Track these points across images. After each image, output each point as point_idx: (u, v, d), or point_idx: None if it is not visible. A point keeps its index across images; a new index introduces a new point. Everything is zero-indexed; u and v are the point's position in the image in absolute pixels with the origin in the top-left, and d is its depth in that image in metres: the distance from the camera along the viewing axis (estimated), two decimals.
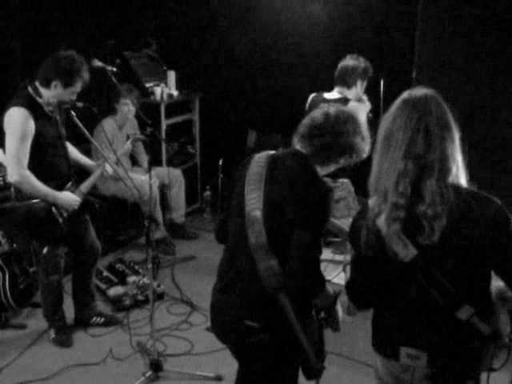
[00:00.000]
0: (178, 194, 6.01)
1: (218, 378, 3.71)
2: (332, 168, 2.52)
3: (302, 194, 2.31)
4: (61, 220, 3.87)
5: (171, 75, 6.37)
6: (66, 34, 5.60)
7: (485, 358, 2.06)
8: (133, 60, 6.26)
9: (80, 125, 3.62)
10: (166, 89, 6.22)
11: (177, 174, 6.02)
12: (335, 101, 4.34)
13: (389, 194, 1.98)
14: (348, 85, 4.49)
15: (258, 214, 2.32)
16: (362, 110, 4.35)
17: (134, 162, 5.98)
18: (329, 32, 5.81)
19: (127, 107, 5.50)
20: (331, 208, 2.34)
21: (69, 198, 3.88)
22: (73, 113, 3.63)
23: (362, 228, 2.05)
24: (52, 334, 4.21)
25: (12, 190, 3.84)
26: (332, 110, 2.47)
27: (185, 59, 6.47)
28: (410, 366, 2.07)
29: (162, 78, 6.37)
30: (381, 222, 1.99)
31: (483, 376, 2.13)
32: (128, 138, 4.94)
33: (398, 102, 2.04)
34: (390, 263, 2.00)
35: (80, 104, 3.71)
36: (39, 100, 3.70)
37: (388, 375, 2.17)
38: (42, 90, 3.71)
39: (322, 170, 2.47)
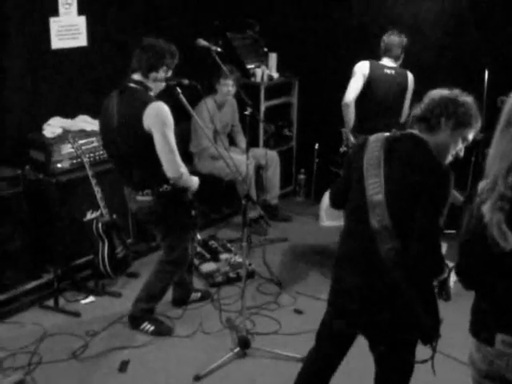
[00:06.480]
0: (273, 175, 6.03)
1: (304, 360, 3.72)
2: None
3: (424, 177, 2.37)
4: (195, 212, 3.90)
5: (272, 57, 6.38)
6: (172, 13, 5.70)
7: None
8: (236, 41, 6.30)
9: (185, 102, 3.64)
10: (267, 71, 6.24)
11: (273, 155, 6.05)
12: (394, 68, 4.90)
13: (498, 182, 1.92)
14: (397, 58, 4.92)
15: (381, 197, 2.41)
16: None
17: (231, 142, 6.06)
18: (439, 16, 5.65)
19: (227, 88, 5.57)
20: (452, 188, 2.40)
21: (197, 181, 3.90)
22: (178, 90, 3.65)
23: (466, 212, 2.02)
24: (149, 327, 4.07)
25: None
26: (444, 92, 2.51)
27: (287, 42, 6.45)
28: (506, 353, 2.02)
29: (263, 60, 6.40)
30: (485, 208, 1.94)
31: None
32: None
33: None
34: (489, 250, 1.94)
35: (186, 81, 3.70)
36: (152, 94, 3.70)
37: (482, 361, 2.11)
38: (149, 82, 3.67)
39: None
